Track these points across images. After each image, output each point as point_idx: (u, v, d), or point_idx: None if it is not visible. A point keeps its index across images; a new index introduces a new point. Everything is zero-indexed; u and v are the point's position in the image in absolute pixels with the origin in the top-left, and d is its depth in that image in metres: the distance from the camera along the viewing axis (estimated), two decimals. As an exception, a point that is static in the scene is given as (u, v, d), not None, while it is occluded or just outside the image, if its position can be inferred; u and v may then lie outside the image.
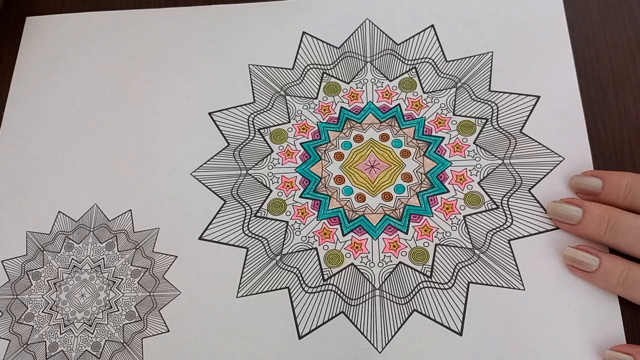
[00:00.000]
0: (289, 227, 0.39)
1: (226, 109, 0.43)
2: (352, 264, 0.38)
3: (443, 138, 0.40)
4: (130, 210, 0.41)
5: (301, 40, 0.44)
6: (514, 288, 0.36)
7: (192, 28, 0.46)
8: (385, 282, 0.37)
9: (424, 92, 0.42)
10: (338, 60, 0.43)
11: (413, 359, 0.35)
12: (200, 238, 0.40)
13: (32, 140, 0.44)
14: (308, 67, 0.43)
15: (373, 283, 0.37)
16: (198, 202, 0.41)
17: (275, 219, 0.40)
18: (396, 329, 0.36)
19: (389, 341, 0.36)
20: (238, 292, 0.38)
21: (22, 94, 0.46)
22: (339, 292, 0.37)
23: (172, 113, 0.44)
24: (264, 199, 0.40)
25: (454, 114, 0.41)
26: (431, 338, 0.36)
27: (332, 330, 0.36)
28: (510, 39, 0.42)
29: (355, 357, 0.36)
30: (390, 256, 0.38)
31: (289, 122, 0.42)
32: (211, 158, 0.42)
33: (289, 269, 0.38)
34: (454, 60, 0.42)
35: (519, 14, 0.43)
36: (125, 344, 0.38)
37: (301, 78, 0.43)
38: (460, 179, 0.39)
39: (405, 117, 0.41)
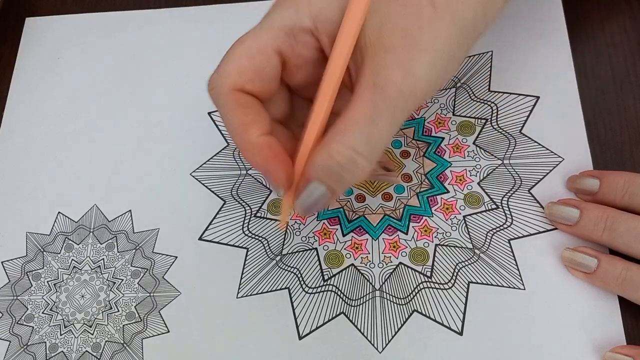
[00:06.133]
0: (289, 227, 0.39)
1: (226, 109, 0.43)
2: (352, 264, 0.38)
3: (443, 139, 0.40)
4: (130, 210, 0.41)
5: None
6: (514, 287, 0.36)
7: (191, 28, 0.46)
8: (386, 282, 0.37)
9: (424, 92, 0.42)
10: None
11: (413, 359, 0.35)
12: (200, 238, 0.40)
13: (32, 140, 0.44)
14: (308, 67, 0.43)
15: (373, 284, 0.37)
16: (198, 202, 0.41)
17: (276, 219, 0.40)
18: (396, 329, 0.36)
19: (389, 341, 0.36)
20: (238, 293, 0.38)
21: (22, 94, 0.46)
22: (339, 293, 0.37)
23: (171, 113, 0.44)
24: (264, 199, 0.40)
25: (453, 114, 0.41)
26: (431, 338, 0.36)
27: (333, 330, 0.36)
28: (509, 39, 0.42)
29: (356, 357, 0.36)
30: (390, 256, 0.38)
31: (289, 122, 0.42)
32: (211, 158, 0.42)
33: (289, 269, 0.38)
34: (453, 60, 0.42)
35: (518, 13, 0.43)
36: (125, 345, 0.38)
37: (301, 78, 0.43)
38: (460, 180, 0.39)
39: (405, 117, 0.41)
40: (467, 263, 0.37)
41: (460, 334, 0.36)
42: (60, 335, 0.38)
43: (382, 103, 0.27)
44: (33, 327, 0.39)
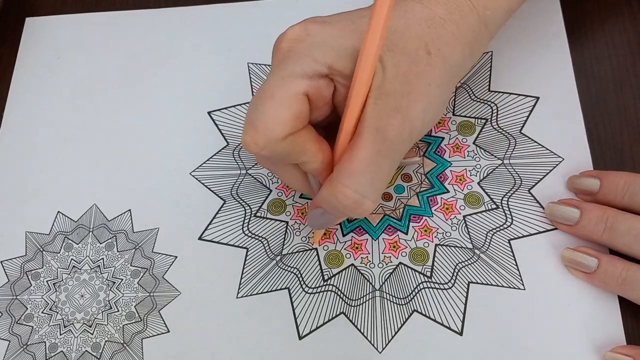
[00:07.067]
0: (289, 227, 0.39)
1: (225, 108, 0.43)
2: (352, 264, 0.38)
3: (443, 138, 0.40)
4: (130, 210, 0.41)
5: (301, 40, 0.44)
6: (514, 288, 0.36)
7: (191, 28, 0.46)
8: (386, 282, 0.37)
9: (424, 92, 0.42)
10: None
11: (413, 359, 0.35)
12: (200, 238, 0.40)
13: (32, 140, 0.44)
14: (308, 67, 0.43)
15: (373, 284, 0.37)
16: (198, 202, 0.41)
17: (275, 219, 0.40)
18: (396, 329, 0.36)
19: (389, 341, 0.36)
20: (238, 293, 0.38)
21: (22, 94, 0.46)
22: (339, 293, 0.37)
23: (171, 112, 0.44)
24: (264, 199, 0.40)
25: (453, 114, 0.41)
26: (431, 338, 0.36)
27: (333, 330, 0.36)
28: (509, 39, 0.42)
29: (356, 357, 0.36)
30: (390, 256, 0.38)
31: (289, 122, 0.42)
32: (211, 157, 0.42)
33: (289, 269, 0.38)
34: (453, 60, 0.42)
35: (517, 14, 0.43)
36: (125, 345, 0.38)
37: (301, 78, 0.43)
38: (460, 180, 0.39)
39: (405, 117, 0.41)
40: (467, 263, 0.37)
41: (460, 334, 0.36)
42: (60, 335, 0.38)
43: (383, 146, 0.30)
44: (32, 327, 0.39)
